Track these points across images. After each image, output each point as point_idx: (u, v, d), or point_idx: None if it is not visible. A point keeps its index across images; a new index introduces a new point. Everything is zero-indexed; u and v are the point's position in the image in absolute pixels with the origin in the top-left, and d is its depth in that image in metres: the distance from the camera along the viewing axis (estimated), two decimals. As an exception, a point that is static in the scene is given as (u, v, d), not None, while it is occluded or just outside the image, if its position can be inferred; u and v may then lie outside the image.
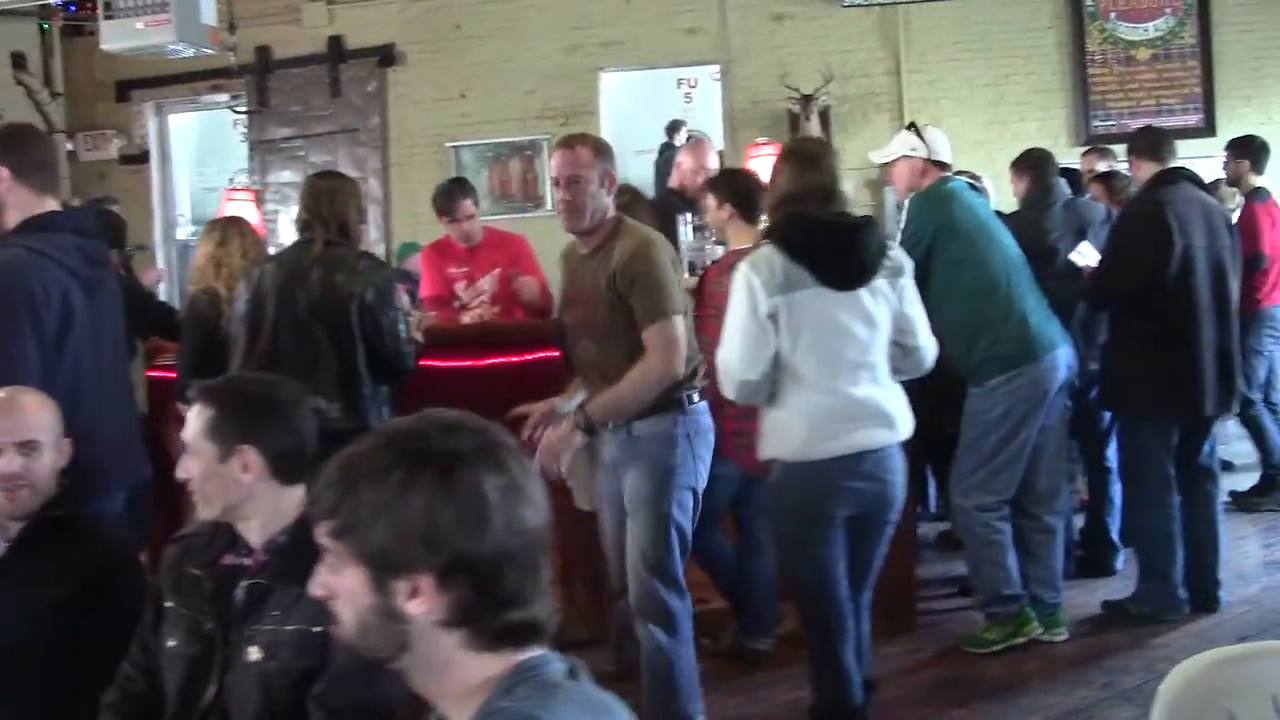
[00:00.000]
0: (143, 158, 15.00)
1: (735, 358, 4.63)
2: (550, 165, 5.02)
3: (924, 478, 8.00)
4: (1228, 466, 9.18)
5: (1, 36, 13.57)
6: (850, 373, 4.65)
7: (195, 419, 3.17)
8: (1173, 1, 12.88)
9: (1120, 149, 8.33)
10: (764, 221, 5.24)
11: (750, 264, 4.66)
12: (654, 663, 4.78)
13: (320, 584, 1.96)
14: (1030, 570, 6.20)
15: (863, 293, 4.67)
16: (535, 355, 6.19)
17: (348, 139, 14.35)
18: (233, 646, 3.03)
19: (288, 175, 14.21)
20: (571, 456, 4.68)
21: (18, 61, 13.75)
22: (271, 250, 6.87)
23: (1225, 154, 9.12)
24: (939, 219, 6.05)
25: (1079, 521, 7.44)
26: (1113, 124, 12.72)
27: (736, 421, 5.24)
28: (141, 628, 3.23)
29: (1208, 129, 12.53)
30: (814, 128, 12.84)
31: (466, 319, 7.09)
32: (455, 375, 6.33)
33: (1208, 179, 8.91)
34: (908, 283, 4.83)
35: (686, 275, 6.21)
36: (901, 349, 4.80)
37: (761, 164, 8.33)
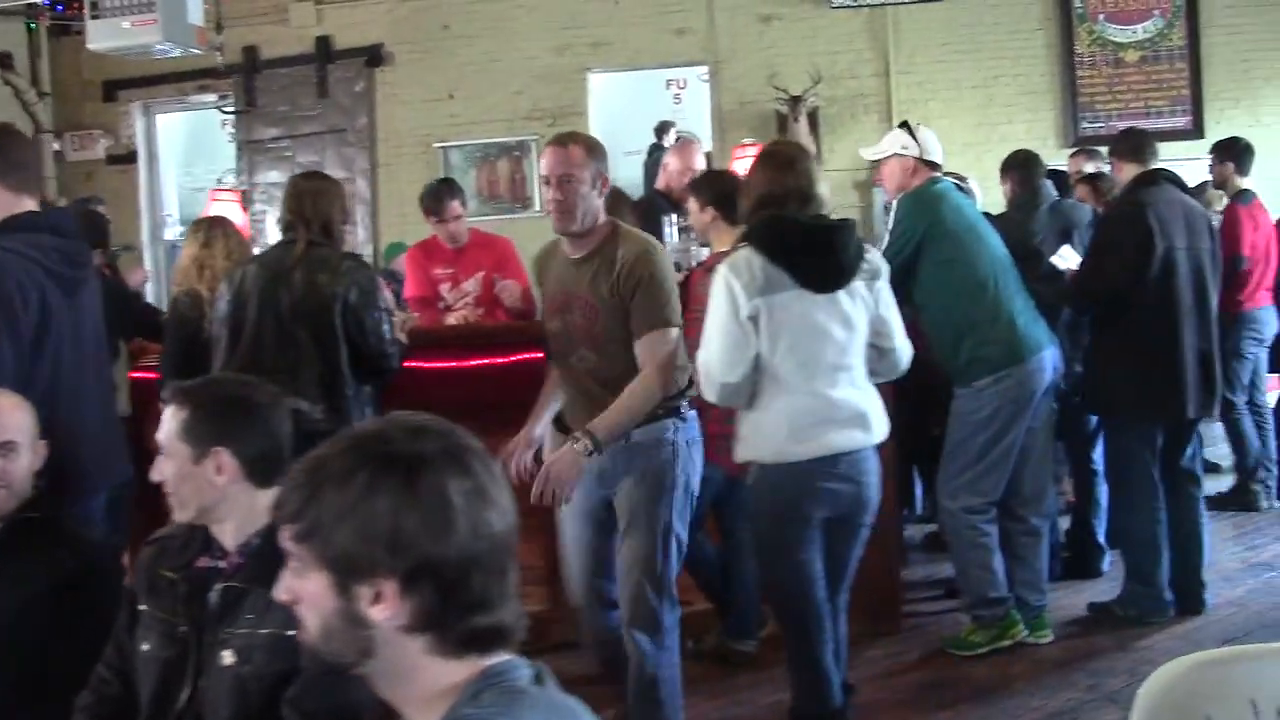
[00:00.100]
0: (130, 158, 14.95)
1: (716, 360, 4.61)
2: (540, 163, 4.70)
3: (911, 479, 8.00)
4: (1214, 468, 9.21)
5: (-11, 36, 13.57)
6: (829, 375, 4.65)
7: (169, 420, 3.15)
8: (1161, 3, 12.88)
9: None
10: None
11: (729, 266, 4.65)
12: (641, 672, 4.68)
13: (284, 588, 1.94)
14: (1016, 572, 6.19)
15: (841, 295, 4.67)
16: (520, 357, 6.16)
17: (335, 139, 14.33)
18: (207, 650, 3.01)
19: (275, 175, 14.15)
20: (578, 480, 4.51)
21: (4, 61, 13.74)
22: (257, 251, 6.85)
23: (1210, 157, 9.10)
24: (928, 219, 6.04)
25: (1065, 523, 7.45)
26: (1101, 126, 12.71)
27: (719, 424, 5.22)
28: (116, 630, 3.21)
29: (1196, 131, 12.53)
30: (803, 129, 12.86)
31: (451, 320, 7.08)
32: (439, 376, 6.31)
33: (1196, 181, 8.94)
34: (884, 285, 4.83)
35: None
36: (878, 351, 4.81)
37: (747, 165, 8.32)
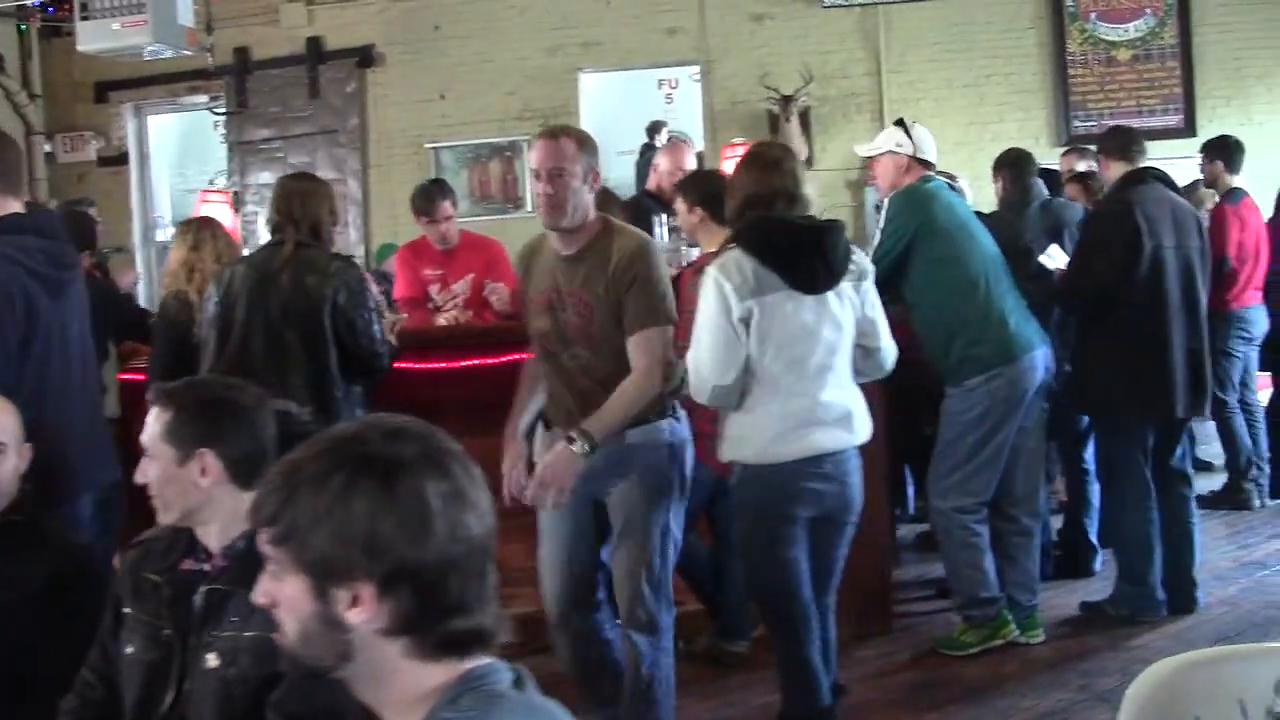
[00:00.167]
0: (121, 159, 14.96)
1: (708, 362, 4.60)
2: (530, 157, 4.56)
3: (903, 479, 7.99)
4: (1205, 467, 9.20)
5: (-21, 38, 13.56)
6: (817, 376, 4.65)
7: (154, 422, 3.13)
8: (1153, 2, 12.90)
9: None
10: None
11: (720, 268, 4.63)
12: (639, 673, 4.64)
13: (262, 592, 1.93)
14: (1008, 572, 6.18)
15: (830, 296, 4.67)
16: (510, 357, 6.13)
17: (327, 140, 14.33)
18: (191, 653, 2.99)
19: (267, 177, 14.13)
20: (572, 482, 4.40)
21: (-5, 63, 13.74)
22: (247, 252, 6.84)
23: (1200, 156, 9.09)
24: (920, 217, 6.03)
25: (1057, 523, 7.44)
26: (1093, 124, 12.69)
27: (710, 424, 5.20)
28: (101, 634, 3.19)
29: (1188, 129, 12.55)
30: (794, 128, 12.89)
31: (441, 321, 7.06)
32: (430, 377, 6.30)
33: (1188, 180, 8.93)
34: (870, 286, 4.84)
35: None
36: (864, 351, 4.81)
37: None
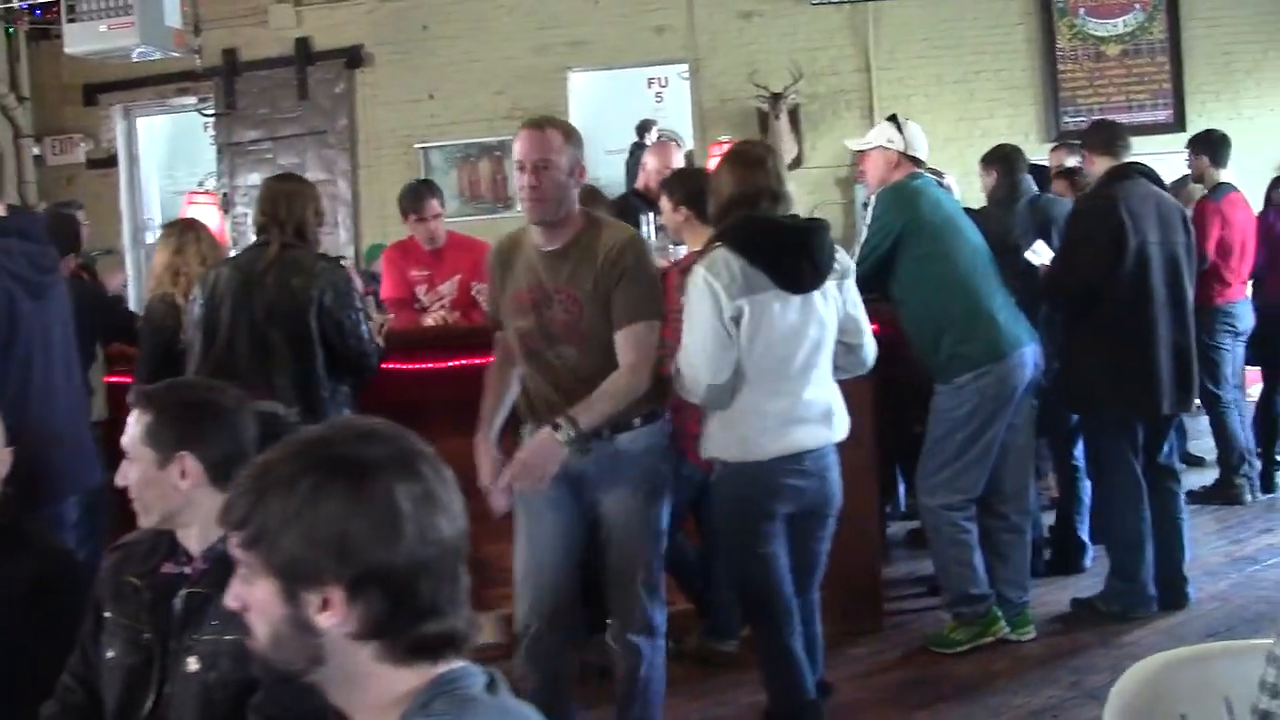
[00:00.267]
0: (111, 161, 14.93)
1: (703, 362, 4.58)
2: (515, 147, 4.44)
3: (893, 477, 7.98)
4: (1197, 462, 9.20)
5: (-34, 42, 13.54)
6: (801, 375, 4.67)
7: (134, 424, 3.12)
8: (1142, -3, 12.91)
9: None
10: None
11: (708, 268, 4.62)
12: (636, 675, 4.59)
13: (233, 595, 1.92)
14: (998, 570, 6.17)
15: (815, 295, 4.68)
16: (498, 357, 6.13)
17: (316, 141, 14.32)
18: (171, 657, 2.97)
19: (256, 178, 14.03)
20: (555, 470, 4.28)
21: (-17, 66, 13.72)
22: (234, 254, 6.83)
23: (1186, 151, 9.06)
24: (907, 214, 6.02)
25: (1048, 519, 7.43)
26: (1083, 120, 12.62)
27: (699, 424, 5.19)
28: (81, 637, 3.17)
29: (1177, 124, 12.54)
30: (784, 126, 12.89)
31: (428, 321, 7.04)
32: (418, 377, 6.28)
33: (1178, 175, 8.90)
34: (851, 284, 4.86)
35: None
36: (845, 347, 4.83)
37: (717, 165, 8.33)
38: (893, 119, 6.32)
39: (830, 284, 4.73)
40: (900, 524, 8.15)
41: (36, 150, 14.52)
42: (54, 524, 4.38)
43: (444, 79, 13.98)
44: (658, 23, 13.65)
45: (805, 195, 12.14)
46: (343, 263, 6.18)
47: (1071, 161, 8.49)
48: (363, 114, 14.31)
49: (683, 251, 6.24)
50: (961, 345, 5.96)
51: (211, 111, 14.56)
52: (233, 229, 13.86)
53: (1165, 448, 6.57)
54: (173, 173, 16.10)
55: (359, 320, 5.48)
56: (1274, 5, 12.69)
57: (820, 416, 4.71)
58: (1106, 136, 6.68)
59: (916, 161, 6.21)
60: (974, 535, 6.07)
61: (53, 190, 14.26)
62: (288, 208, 5.53)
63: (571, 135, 4.45)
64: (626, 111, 14.18)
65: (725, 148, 6.12)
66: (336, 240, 13.74)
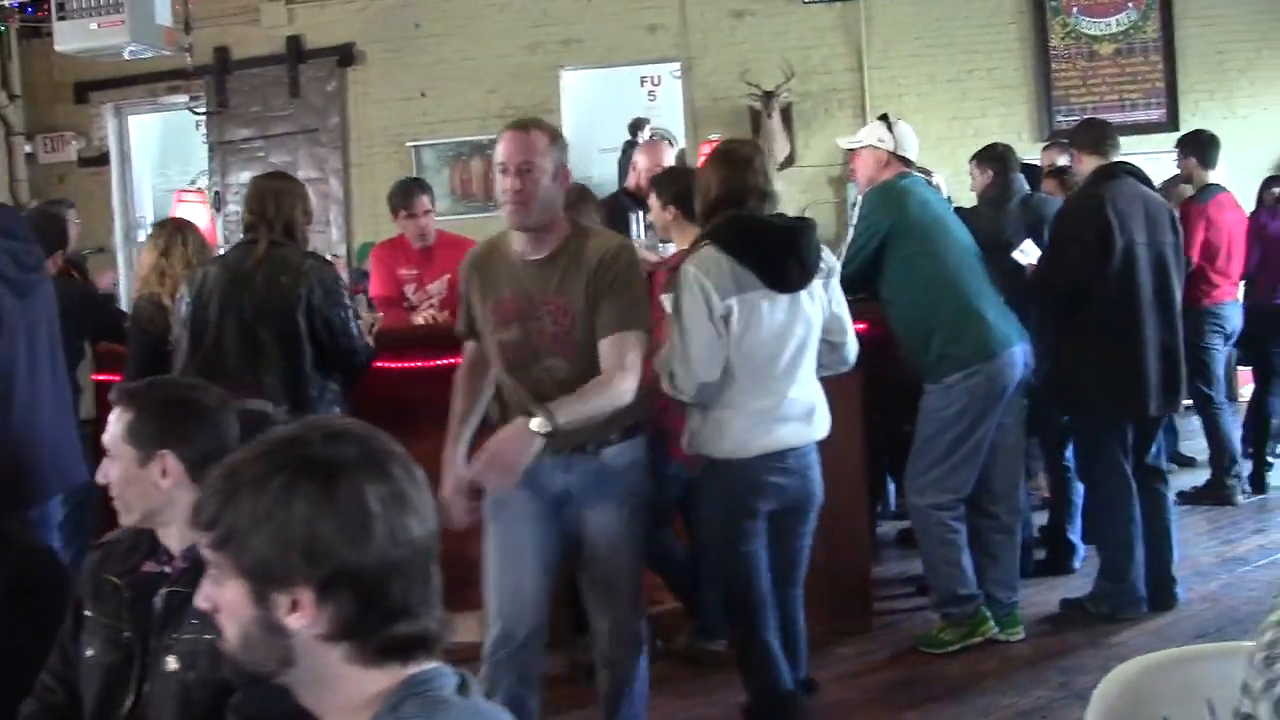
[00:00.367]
0: (102, 160, 14.92)
1: (697, 360, 4.58)
2: (497, 149, 4.21)
3: (883, 476, 7.96)
4: (1188, 462, 9.19)
5: (-43, 41, 13.52)
6: (787, 373, 4.69)
7: (115, 422, 3.10)
8: (1135, -4, 12.90)
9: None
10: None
11: (698, 266, 4.61)
12: (621, 689, 4.53)
13: (204, 596, 1.90)
14: (987, 570, 6.16)
15: (801, 294, 4.70)
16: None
17: (308, 139, 14.31)
18: (151, 656, 2.96)
19: (248, 176, 13.98)
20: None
21: (-26, 65, 13.70)
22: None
23: (1175, 151, 9.02)
24: (894, 214, 6.01)
25: (1039, 519, 7.42)
26: (1076, 119, 12.46)
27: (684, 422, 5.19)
28: (61, 636, 3.15)
29: (1171, 124, 12.52)
30: (776, 124, 12.88)
31: (418, 320, 7.03)
32: (406, 376, 6.26)
33: (1170, 174, 8.88)
34: (835, 283, 4.88)
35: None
36: (829, 345, 4.86)
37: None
38: (883, 118, 6.32)
39: (816, 283, 4.75)
40: (890, 524, 8.15)
41: (28, 148, 14.51)
42: (41, 523, 4.37)
43: (436, 77, 13.97)
44: (650, 21, 13.64)
45: (798, 194, 12.16)
46: (334, 258, 6.17)
47: (1063, 160, 8.48)
48: (354, 112, 14.29)
49: (671, 249, 6.23)
50: (951, 345, 5.94)
51: (203, 110, 14.55)
52: (224, 227, 13.86)
53: (1153, 449, 6.55)
54: (165, 171, 16.08)
55: (348, 318, 5.47)
56: (1267, 4, 12.69)
57: (803, 415, 4.73)
58: (1095, 135, 6.65)
59: (906, 161, 6.20)
60: (963, 535, 6.06)
61: (44, 188, 14.25)
62: (276, 206, 5.51)
63: (556, 138, 4.26)
64: (619, 110, 14.15)
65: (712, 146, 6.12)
66: (329, 238, 13.74)
